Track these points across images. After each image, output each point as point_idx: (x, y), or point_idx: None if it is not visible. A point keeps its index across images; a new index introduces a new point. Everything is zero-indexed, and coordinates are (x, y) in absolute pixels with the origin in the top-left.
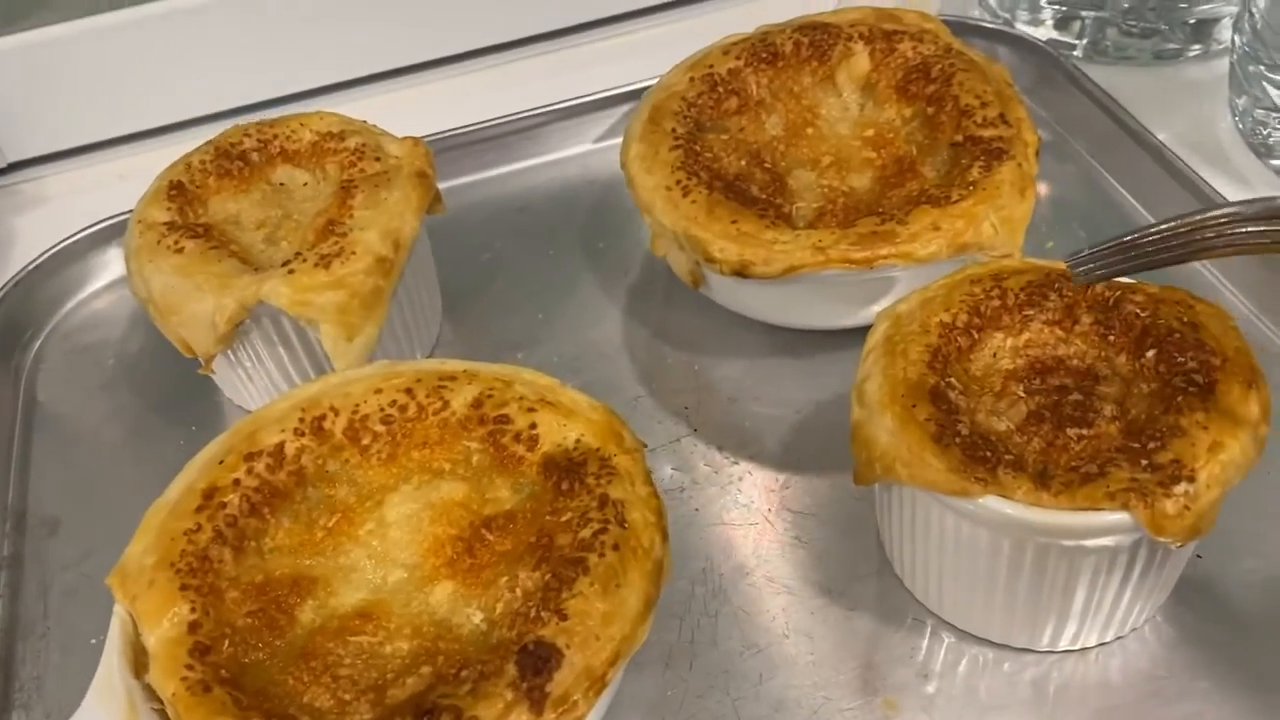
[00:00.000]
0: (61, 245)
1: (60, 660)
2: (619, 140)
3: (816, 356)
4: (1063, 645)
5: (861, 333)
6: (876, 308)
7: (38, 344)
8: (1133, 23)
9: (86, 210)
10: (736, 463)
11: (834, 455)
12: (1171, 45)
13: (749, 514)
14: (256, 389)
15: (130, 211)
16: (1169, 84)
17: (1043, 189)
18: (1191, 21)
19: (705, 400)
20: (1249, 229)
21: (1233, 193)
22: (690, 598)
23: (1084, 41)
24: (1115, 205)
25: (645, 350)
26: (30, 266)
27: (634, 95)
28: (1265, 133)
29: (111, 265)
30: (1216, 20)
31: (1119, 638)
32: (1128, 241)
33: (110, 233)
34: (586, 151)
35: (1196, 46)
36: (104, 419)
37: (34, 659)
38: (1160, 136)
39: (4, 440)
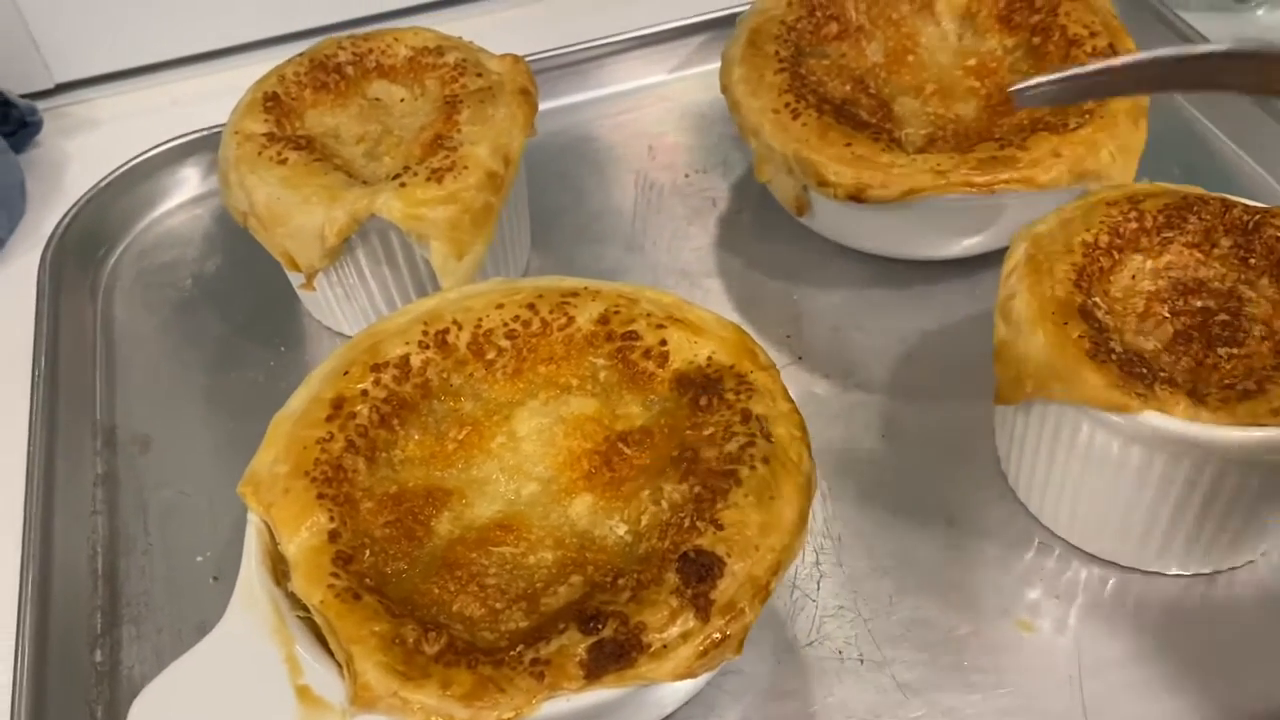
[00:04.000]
0: (133, 162)
1: (166, 575)
2: (696, 70)
3: (917, 287)
4: (1192, 570)
5: (959, 265)
6: (976, 239)
7: (112, 261)
8: None
9: (140, 135)
10: (846, 390)
11: (946, 384)
12: None
13: (863, 439)
14: (353, 309)
15: (205, 129)
16: (1244, 31)
17: None
18: None
19: (807, 329)
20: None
21: None
22: (812, 520)
23: None
24: (1209, 144)
25: (740, 279)
26: (102, 183)
27: (711, 25)
28: None
29: (185, 184)
30: None
31: (1249, 562)
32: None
33: (181, 151)
34: (661, 82)
35: None
36: (186, 339)
37: (139, 575)
38: None
39: (87, 356)
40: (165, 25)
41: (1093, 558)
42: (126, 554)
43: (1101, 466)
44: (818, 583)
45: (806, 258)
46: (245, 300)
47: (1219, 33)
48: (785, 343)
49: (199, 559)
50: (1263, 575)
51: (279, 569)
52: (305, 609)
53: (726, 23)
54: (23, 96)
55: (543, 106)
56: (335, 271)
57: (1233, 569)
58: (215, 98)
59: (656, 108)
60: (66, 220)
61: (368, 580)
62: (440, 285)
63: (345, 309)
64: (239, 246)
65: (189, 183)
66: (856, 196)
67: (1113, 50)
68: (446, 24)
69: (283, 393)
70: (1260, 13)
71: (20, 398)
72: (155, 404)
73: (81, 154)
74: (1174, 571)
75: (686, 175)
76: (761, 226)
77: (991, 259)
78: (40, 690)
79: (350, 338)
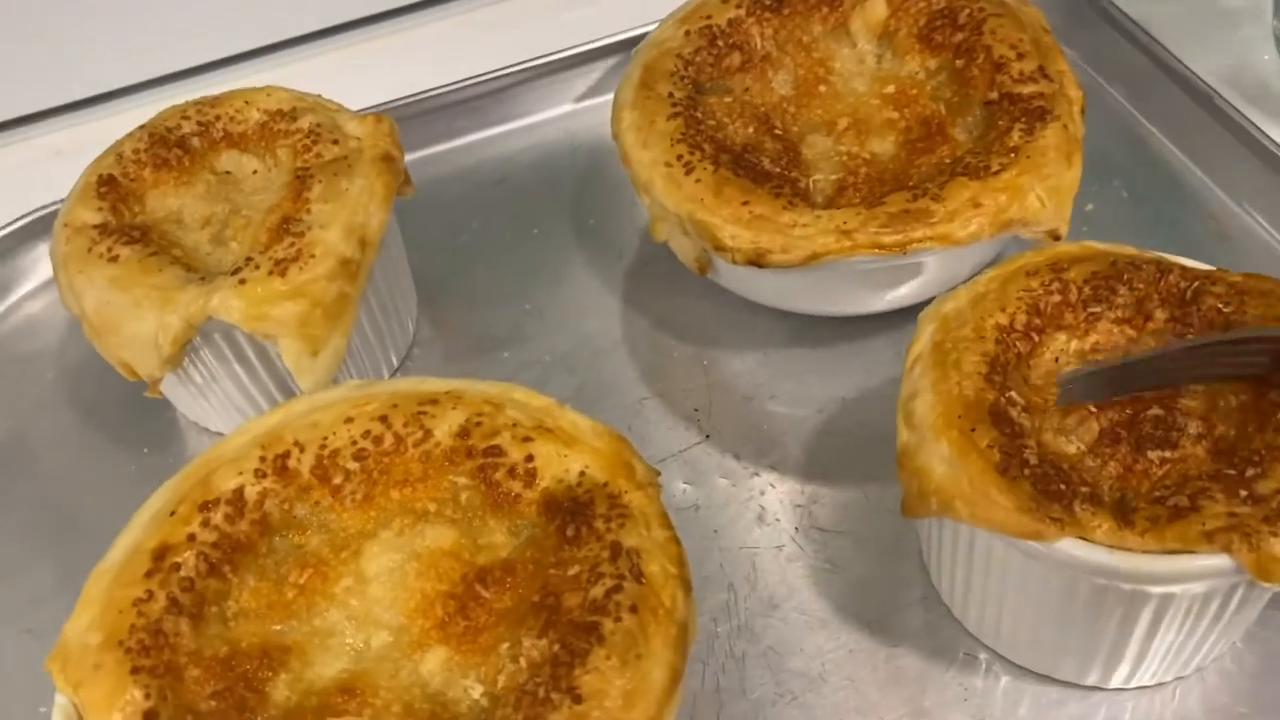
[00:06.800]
0: None
1: None
2: (604, 99)
3: (838, 345)
4: (1135, 683)
5: (887, 316)
6: (904, 290)
7: None
8: None
9: (18, 192)
10: (756, 474)
11: (865, 461)
12: None
13: (774, 535)
14: (213, 407)
15: (61, 201)
16: (1202, 12)
17: None
18: None
19: (718, 401)
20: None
21: None
22: (713, 637)
23: None
24: (1159, 158)
25: (647, 344)
26: None
27: (620, 47)
28: None
29: (44, 263)
30: None
31: (1199, 670)
32: (1117, 368)
33: (41, 226)
34: (568, 113)
35: None
36: (44, 442)
37: None
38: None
39: None
40: (43, 69)
41: (1023, 670)
42: None
43: (1022, 588)
44: (718, 714)
45: (718, 314)
46: (111, 395)
47: (1166, 16)
48: (693, 418)
49: (41, 709)
50: (1211, 685)
51: None
52: None
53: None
54: None
55: (432, 150)
56: (184, 372)
57: (1180, 679)
58: (103, 145)
59: (560, 144)
60: None
61: None
62: (297, 383)
63: (205, 407)
64: None
65: (44, 263)
66: (756, 262)
67: (1042, 73)
68: (342, 50)
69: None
70: None
71: None
72: (3, 523)
73: None
74: (1114, 686)
75: (591, 221)
76: (670, 279)
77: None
78: None
79: (221, 435)
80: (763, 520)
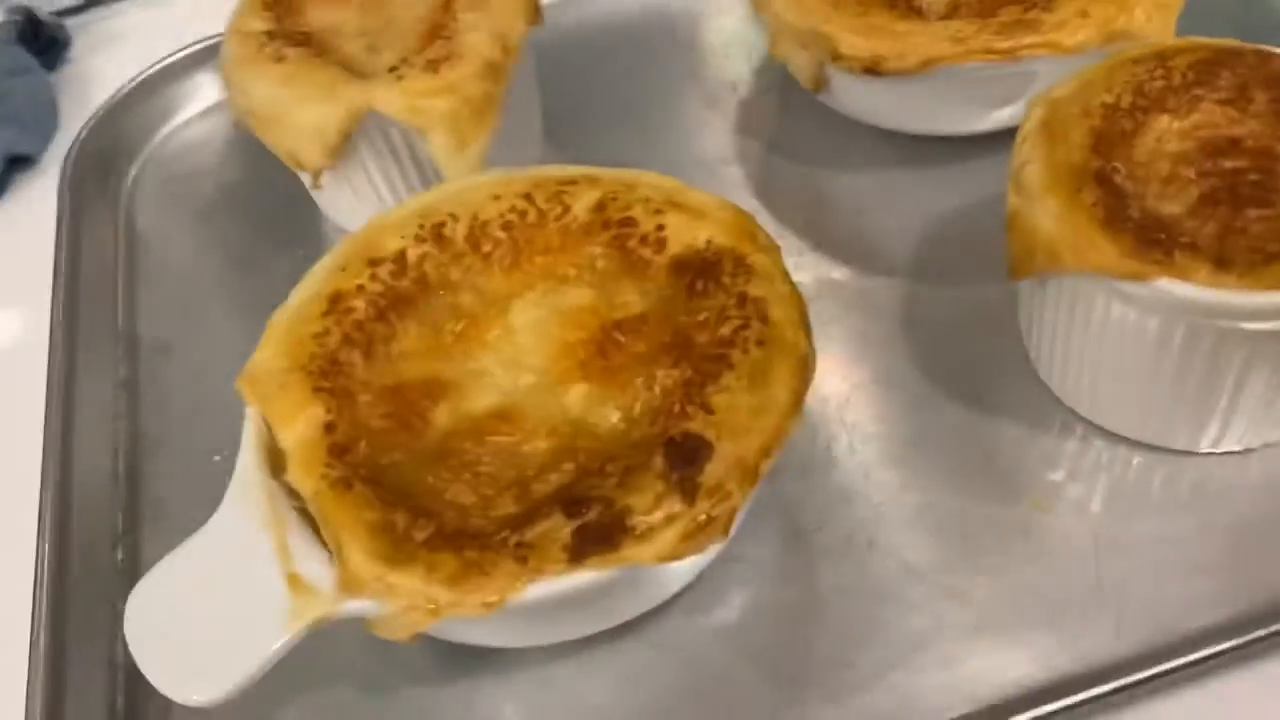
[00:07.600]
0: (151, 71)
1: (185, 476)
2: None
3: (944, 166)
4: (1224, 446)
5: (991, 140)
6: (1006, 111)
7: (133, 171)
8: None
9: (168, 46)
10: (865, 275)
11: (970, 264)
12: None
13: (880, 326)
14: (365, 209)
15: (214, 36)
16: None
17: None
18: None
19: (826, 213)
20: None
21: None
22: (825, 408)
23: None
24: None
25: (759, 163)
26: (120, 94)
27: None
28: None
29: (203, 90)
30: None
31: None
32: None
33: (201, 56)
34: None
35: None
36: (207, 246)
37: (156, 477)
38: None
39: (108, 265)
40: None
41: (1119, 438)
42: (149, 455)
43: (1120, 341)
44: (828, 471)
45: (830, 139)
46: (265, 206)
47: None
48: (804, 229)
49: (216, 458)
50: None
51: (276, 463)
52: (300, 501)
53: None
54: (51, 14)
55: None
56: (342, 170)
57: (1267, 445)
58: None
59: None
60: (83, 134)
61: (362, 471)
62: (444, 179)
63: (356, 210)
64: (258, 153)
65: (205, 90)
66: (873, 69)
67: None
68: None
69: None
70: None
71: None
72: (175, 311)
73: (110, 68)
74: (1204, 449)
75: (706, 61)
76: (783, 110)
77: None
78: (62, 587)
79: None
80: (869, 315)
